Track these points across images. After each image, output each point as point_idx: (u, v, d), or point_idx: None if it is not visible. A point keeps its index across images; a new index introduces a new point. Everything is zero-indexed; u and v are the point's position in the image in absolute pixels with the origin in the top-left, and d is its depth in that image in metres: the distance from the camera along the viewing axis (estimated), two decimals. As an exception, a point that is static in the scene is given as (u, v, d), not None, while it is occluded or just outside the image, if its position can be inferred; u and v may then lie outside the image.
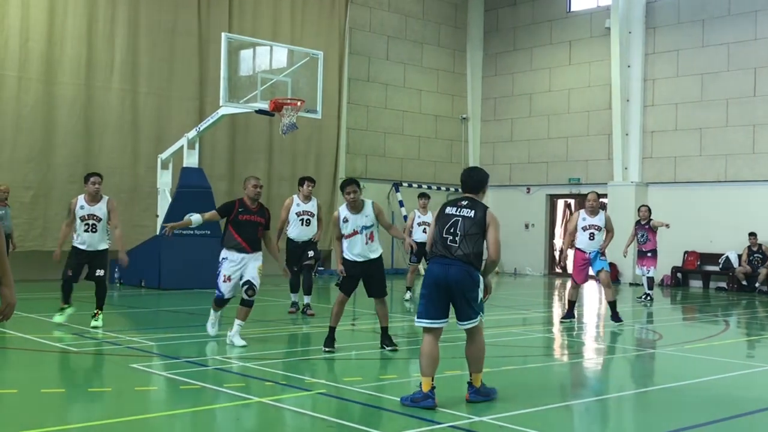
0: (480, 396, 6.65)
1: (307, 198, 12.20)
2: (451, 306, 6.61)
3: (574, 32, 23.62)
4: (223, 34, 16.20)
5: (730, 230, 19.68)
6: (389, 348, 9.02)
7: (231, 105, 16.02)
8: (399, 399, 6.51)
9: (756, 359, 10.07)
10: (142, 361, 8.24)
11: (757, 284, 19.05)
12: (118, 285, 16.41)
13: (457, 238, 6.49)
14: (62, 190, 17.00)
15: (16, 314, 4.93)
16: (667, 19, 21.62)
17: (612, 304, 12.15)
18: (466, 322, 6.56)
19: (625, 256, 16.90)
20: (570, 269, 14.52)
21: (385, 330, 9.10)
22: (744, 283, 19.37)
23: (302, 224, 12.04)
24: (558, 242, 24.20)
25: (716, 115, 20.61)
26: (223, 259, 9.37)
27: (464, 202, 6.67)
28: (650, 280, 16.48)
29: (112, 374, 7.85)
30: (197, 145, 17.11)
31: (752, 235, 19.18)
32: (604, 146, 22.69)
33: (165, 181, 17.17)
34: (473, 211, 6.55)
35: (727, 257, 19.86)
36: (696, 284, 20.82)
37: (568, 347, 10.64)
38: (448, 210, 6.65)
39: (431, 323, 6.51)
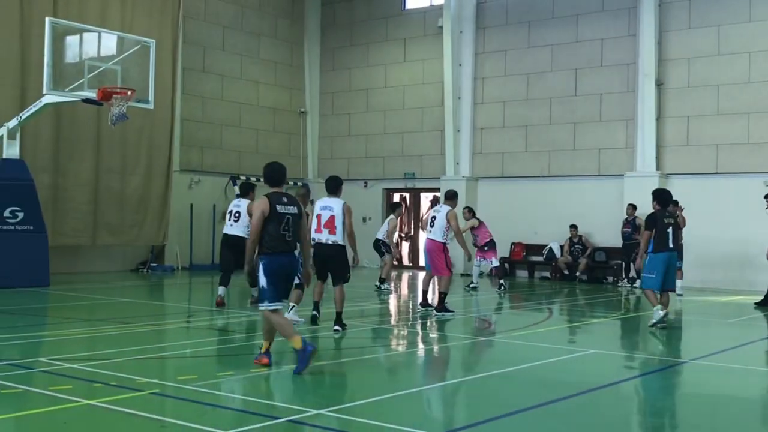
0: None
1: None
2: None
3: (409, 30, 24.15)
4: (47, 19, 15.25)
5: (553, 222, 20.81)
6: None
7: (55, 93, 15.13)
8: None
9: (577, 344, 10.71)
10: (-44, 367, 7.65)
11: (577, 273, 20.27)
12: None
13: (291, 234, 7.77)
14: None
15: None
16: (496, 20, 22.53)
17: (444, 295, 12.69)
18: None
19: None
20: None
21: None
22: (566, 272, 20.56)
23: None
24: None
25: (540, 113, 21.71)
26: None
27: (285, 199, 7.94)
28: (496, 269, 17.42)
29: None
30: (18, 136, 16.06)
31: (573, 227, 20.40)
32: (437, 142, 23.37)
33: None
34: (295, 207, 7.87)
35: (551, 248, 21.01)
36: (522, 274, 21.87)
37: (405, 338, 10.88)
38: (279, 209, 7.72)
39: (282, 305, 7.91)
